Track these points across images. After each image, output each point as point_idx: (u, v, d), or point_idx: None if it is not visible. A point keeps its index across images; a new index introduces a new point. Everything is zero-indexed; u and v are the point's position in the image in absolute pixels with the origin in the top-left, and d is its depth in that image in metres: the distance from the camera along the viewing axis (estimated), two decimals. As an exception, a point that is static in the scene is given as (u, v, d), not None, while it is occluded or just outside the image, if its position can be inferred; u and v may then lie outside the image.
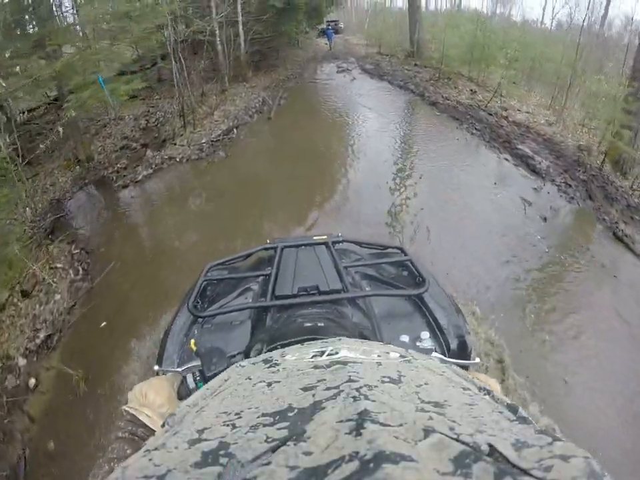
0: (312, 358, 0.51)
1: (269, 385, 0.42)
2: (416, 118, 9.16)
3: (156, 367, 0.94)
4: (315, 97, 10.87)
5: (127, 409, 0.73)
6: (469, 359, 1.02)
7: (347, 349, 0.52)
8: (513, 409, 0.39)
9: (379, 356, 0.51)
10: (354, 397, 0.33)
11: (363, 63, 14.16)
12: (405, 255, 1.30)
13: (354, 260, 1.41)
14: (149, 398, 0.73)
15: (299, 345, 0.63)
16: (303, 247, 1.35)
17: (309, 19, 14.47)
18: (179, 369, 0.85)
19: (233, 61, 10.13)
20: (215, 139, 7.64)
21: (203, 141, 7.54)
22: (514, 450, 0.25)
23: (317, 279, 1.14)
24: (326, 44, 17.65)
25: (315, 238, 1.42)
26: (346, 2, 28.46)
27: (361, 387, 0.36)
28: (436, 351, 0.97)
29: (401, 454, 0.24)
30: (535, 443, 0.26)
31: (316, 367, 0.46)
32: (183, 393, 0.81)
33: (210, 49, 9.60)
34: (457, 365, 0.88)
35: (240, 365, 0.57)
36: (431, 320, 1.14)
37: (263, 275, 1.23)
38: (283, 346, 0.75)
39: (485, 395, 0.42)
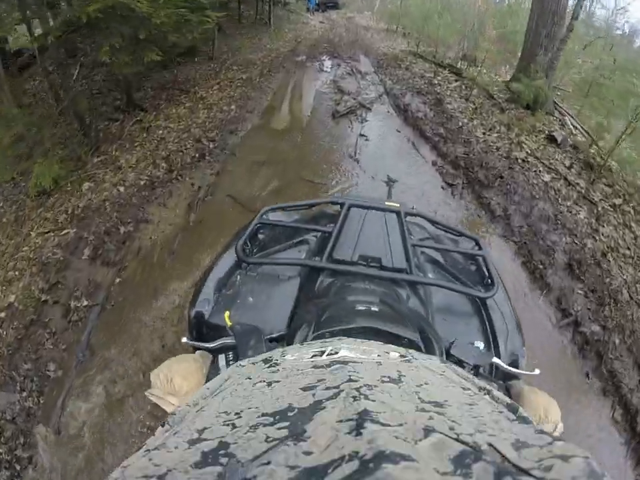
0: (312, 358, 0.51)
1: (269, 384, 0.42)
2: None
3: (184, 340, 0.84)
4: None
5: (150, 396, 0.65)
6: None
7: (347, 348, 0.52)
8: (513, 408, 0.39)
9: (378, 356, 0.51)
10: (354, 397, 0.33)
11: (394, 83, 6.38)
12: (480, 248, 1.17)
13: (422, 238, 1.29)
14: (174, 384, 0.65)
15: (298, 345, 0.63)
16: (372, 210, 1.21)
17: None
18: (210, 345, 0.76)
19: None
20: None
21: None
22: (514, 450, 0.25)
23: (380, 250, 1.03)
24: (322, 23, 12.33)
25: (387, 203, 1.27)
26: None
27: (361, 387, 0.36)
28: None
29: (400, 454, 0.24)
30: (535, 442, 0.26)
31: (316, 367, 0.45)
32: (213, 377, 0.65)
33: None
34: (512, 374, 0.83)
35: (240, 365, 0.57)
36: (488, 329, 1.02)
37: (323, 231, 1.13)
38: (331, 334, 0.67)
39: (485, 394, 0.43)
